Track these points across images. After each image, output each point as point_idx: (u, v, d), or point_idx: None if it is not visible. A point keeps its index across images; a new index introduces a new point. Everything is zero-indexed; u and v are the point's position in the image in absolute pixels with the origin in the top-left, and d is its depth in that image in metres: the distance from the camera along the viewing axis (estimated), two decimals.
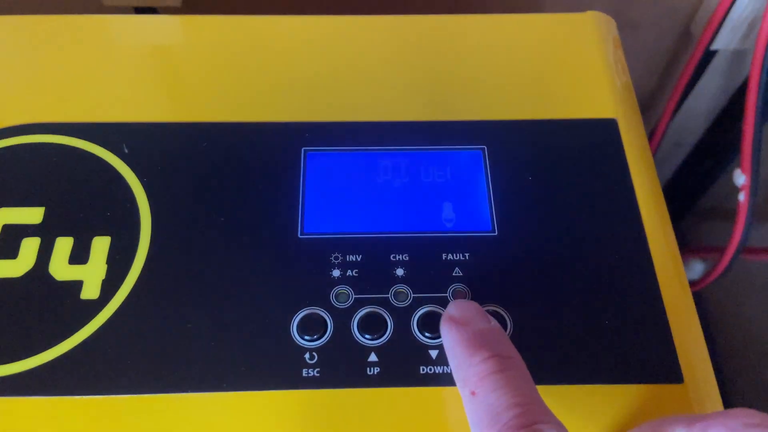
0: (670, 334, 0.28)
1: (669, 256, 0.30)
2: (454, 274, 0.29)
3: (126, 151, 0.32)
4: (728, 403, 0.25)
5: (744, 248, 0.59)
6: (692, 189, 0.78)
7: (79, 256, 0.29)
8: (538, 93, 0.35)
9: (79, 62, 0.35)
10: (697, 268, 0.78)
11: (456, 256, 0.30)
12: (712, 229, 0.78)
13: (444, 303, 0.28)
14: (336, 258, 0.29)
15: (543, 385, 0.27)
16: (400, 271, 0.29)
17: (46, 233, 0.30)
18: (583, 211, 0.31)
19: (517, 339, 0.28)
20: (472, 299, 0.29)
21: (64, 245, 0.29)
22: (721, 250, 0.66)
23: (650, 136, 0.67)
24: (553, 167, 0.32)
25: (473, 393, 0.23)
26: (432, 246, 0.30)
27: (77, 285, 0.29)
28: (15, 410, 0.26)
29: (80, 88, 0.34)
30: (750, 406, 0.21)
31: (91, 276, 0.29)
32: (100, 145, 0.32)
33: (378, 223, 0.31)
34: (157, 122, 0.33)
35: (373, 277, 0.29)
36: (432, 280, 0.29)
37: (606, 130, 0.33)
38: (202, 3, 0.53)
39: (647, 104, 0.68)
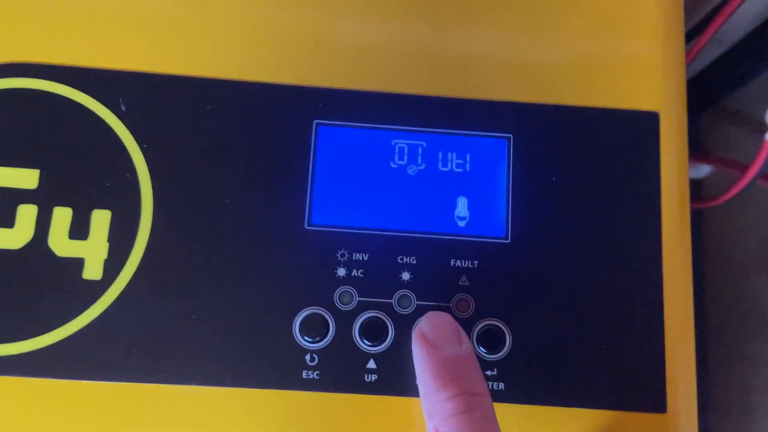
0: (664, 364, 0.28)
1: (681, 285, 0.29)
2: (460, 282, 0.29)
3: (123, 108, 0.29)
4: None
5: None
6: (720, 87, 0.74)
7: (79, 230, 0.28)
8: (577, 73, 0.31)
9: None
10: (703, 167, 0.77)
11: (464, 263, 0.29)
12: (728, 133, 0.75)
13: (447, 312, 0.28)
14: (342, 255, 0.29)
15: (526, 405, 0.28)
16: (406, 275, 0.29)
17: (43, 201, 0.29)
18: (602, 223, 0.30)
19: (512, 356, 0.28)
20: (474, 311, 0.29)
21: (62, 217, 0.28)
22: (730, 165, 0.65)
23: (695, 35, 0.62)
24: (579, 166, 0.30)
25: (437, 430, 0.24)
26: (441, 250, 0.29)
27: (79, 263, 0.28)
28: (15, 389, 0.27)
29: (71, 22, 0.30)
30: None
31: (93, 254, 0.28)
32: (94, 98, 0.29)
33: (388, 219, 0.29)
34: (158, 73, 0.30)
35: (378, 280, 0.29)
36: (437, 287, 0.29)
37: (645, 125, 0.31)
38: None
39: (692, 6, 0.61)
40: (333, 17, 0.31)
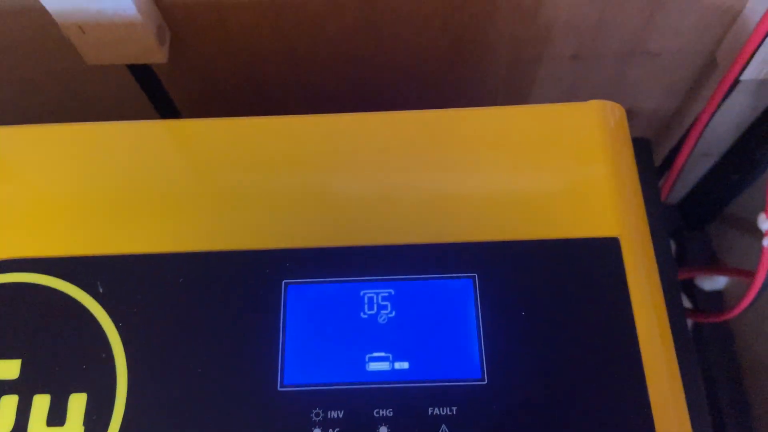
0: None
1: (673, 407, 0.28)
2: None
3: (100, 290, 0.31)
4: None
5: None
6: (718, 197, 0.74)
7: (57, 417, 0.29)
8: (532, 207, 0.32)
9: (40, 185, 0.34)
10: (721, 279, 0.75)
11: (443, 411, 0.28)
12: (739, 240, 0.74)
13: None
14: (317, 415, 0.28)
15: None
16: (383, 430, 0.28)
17: (24, 390, 0.29)
18: (579, 353, 0.29)
19: None
20: None
21: (41, 404, 0.29)
22: (741, 273, 0.63)
23: (675, 155, 0.64)
24: (547, 298, 0.30)
25: None
26: (417, 398, 0.29)
27: None
28: None
29: (48, 215, 0.33)
30: None
31: None
32: (74, 284, 0.31)
33: (362, 371, 0.29)
34: (132, 254, 0.32)
35: None
36: None
37: (607, 251, 0.31)
38: (189, 57, 0.51)
39: (669, 125, 0.63)
40: (295, 181, 0.33)
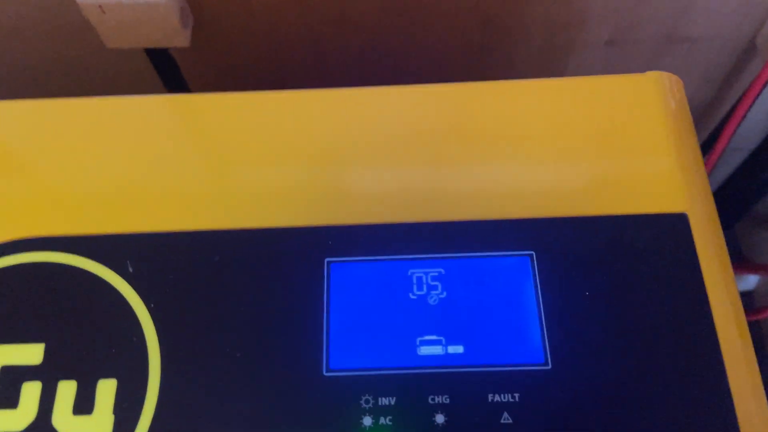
0: None
1: (753, 394, 0.26)
2: (502, 420, 0.26)
3: (130, 270, 0.29)
4: None
5: None
6: (747, 194, 0.72)
7: (84, 404, 0.26)
8: (592, 182, 0.30)
9: (64, 160, 0.31)
10: (751, 278, 0.73)
11: (504, 397, 0.26)
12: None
13: None
14: (367, 402, 0.26)
15: None
16: (440, 418, 0.26)
17: (48, 376, 0.27)
18: (651, 332, 0.27)
19: None
20: None
21: (67, 391, 0.27)
22: None
23: (708, 147, 0.62)
24: (613, 277, 0.28)
25: None
26: (475, 384, 0.26)
27: None
28: None
29: (73, 191, 0.31)
30: None
31: (98, 430, 0.26)
32: (102, 263, 0.29)
33: (413, 356, 0.27)
34: (164, 232, 0.29)
35: (409, 426, 0.26)
36: (477, 428, 0.25)
37: (675, 227, 0.29)
38: (211, 42, 0.49)
39: (704, 113, 0.62)
40: (336, 156, 0.31)
